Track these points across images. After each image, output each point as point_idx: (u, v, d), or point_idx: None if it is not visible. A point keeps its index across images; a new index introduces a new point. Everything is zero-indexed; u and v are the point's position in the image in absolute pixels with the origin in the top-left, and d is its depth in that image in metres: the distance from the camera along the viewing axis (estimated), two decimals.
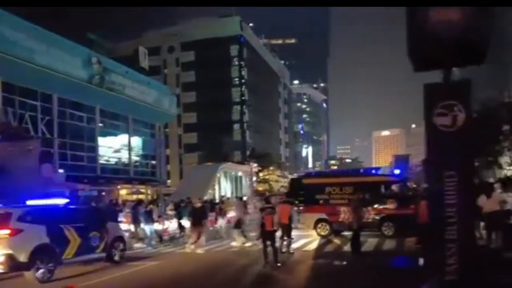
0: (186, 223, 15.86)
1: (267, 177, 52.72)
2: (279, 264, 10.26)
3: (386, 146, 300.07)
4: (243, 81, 63.13)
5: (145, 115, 40.47)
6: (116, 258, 11.65)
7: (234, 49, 62.64)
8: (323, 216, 16.28)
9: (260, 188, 47.24)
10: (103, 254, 11.34)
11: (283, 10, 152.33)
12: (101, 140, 36.70)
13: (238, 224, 14.65)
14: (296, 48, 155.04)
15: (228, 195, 35.87)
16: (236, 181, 38.25)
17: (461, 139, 4.31)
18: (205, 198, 25.45)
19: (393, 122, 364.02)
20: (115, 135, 38.79)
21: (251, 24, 76.98)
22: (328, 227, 16.23)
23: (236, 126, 63.00)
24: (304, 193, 17.12)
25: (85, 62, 31.75)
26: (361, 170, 18.17)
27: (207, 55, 61.13)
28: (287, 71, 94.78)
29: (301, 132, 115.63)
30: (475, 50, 4.05)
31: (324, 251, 13.42)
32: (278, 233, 12.15)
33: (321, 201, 16.59)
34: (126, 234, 13.23)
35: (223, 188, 35.30)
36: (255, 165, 51.27)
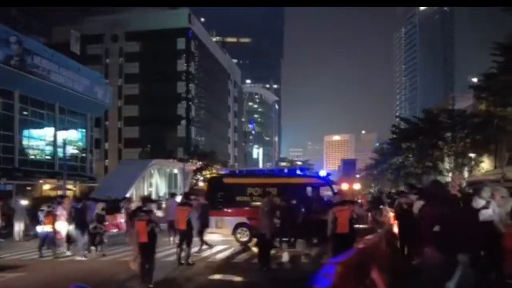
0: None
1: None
2: (150, 286, 8.14)
3: (337, 150, 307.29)
4: (190, 75, 60.50)
5: (74, 105, 37.24)
6: None
7: (181, 43, 59.89)
8: (243, 220, 14.61)
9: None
10: None
11: (239, 8, 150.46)
12: (22, 129, 33.30)
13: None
14: (250, 48, 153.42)
15: (162, 193, 33.56)
16: (170, 179, 35.96)
17: None
18: (127, 195, 23.14)
19: (344, 127, 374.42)
20: (40, 124, 35.38)
21: (202, 19, 74.56)
22: (248, 232, 14.55)
23: (181, 122, 60.30)
24: (224, 194, 15.32)
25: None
26: (285, 170, 16.38)
27: (152, 47, 58.16)
28: (238, 69, 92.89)
29: (252, 132, 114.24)
30: None
31: (232, 262, 11.62)
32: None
33: (242, 203, 14.95)
34: None
35: (156, 185, 32.93)
36: (200, 162, 49.04)
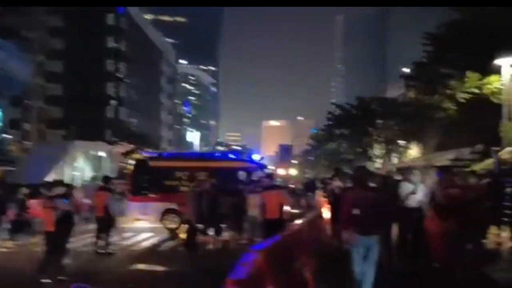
0: None
1: None
2: (62, 278, 7.20)
3: (275, 135, 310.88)
4: (119, 53, 57.19)
5: None
6: None
7: (111, 18, 56.35)
8: (172, 206, 13.86)
9: None
10: None
11: None
12: None
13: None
14: (186, 28, 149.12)
15: (87, 178, 31.62)
16: (97, 162, 33.96)
17: None
18: (48, 179, 21.35)
19: (282, 113, 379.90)
20: None
21: None
22: (177, 219, 13.84)
23: (111, 102, 57.16)
24: (151, 178, 14.44)
25: None
26: (217, 154, 15.74)
27: (78, 21, 54.07)
28: (172, 49, 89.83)
29: (187, 114, 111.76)
30: None
31: (157, 251, 10.94)
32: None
33: (170, 188, 14.19)
34: None
35: (80, 169, 30.90)
36: (130, 145, 46.99)
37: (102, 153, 33.84)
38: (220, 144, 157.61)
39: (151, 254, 10.41)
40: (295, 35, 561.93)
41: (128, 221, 14.90)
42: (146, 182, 14.42)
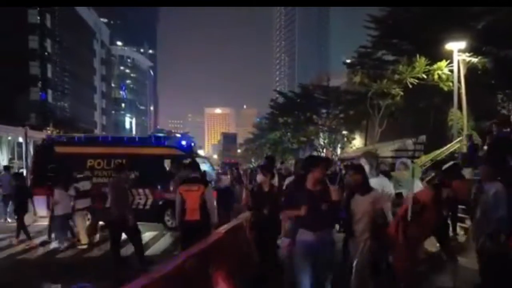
0: None
1: None
2: None
3: (218, 123, 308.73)
4: (45, 30, 52.01)
5: None
6: None
7: None
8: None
9: None
10: None
11: None
12: None
13: None
14: (122, 7, 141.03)
15: (1, 166, 28.06)
16: (15, 149, 30.37)
17: None
18: None
19: (225, 101, 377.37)
20: None
21: None
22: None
23: (38, 84, 52.11)
24: (57, 167, 12.10)
25: None
26: (138, 138, 13.60)
27: None
28: (106, 28, 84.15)
29: (123, 98, 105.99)
30: None
31: (56, 259, 8.79)
32: None
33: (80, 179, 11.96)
34: None
35: None
36: (56, 130, 43.06)
37: (21, 139, 30.26)
38: (160, 131, 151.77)
39: (49, 262, 8.30)
40: (240, 21, 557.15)
41: (30, 219, 12.57)
42: (52, 171, 12.04)
